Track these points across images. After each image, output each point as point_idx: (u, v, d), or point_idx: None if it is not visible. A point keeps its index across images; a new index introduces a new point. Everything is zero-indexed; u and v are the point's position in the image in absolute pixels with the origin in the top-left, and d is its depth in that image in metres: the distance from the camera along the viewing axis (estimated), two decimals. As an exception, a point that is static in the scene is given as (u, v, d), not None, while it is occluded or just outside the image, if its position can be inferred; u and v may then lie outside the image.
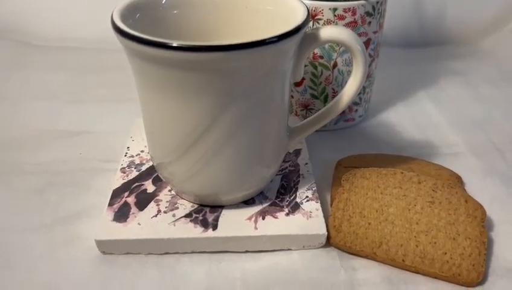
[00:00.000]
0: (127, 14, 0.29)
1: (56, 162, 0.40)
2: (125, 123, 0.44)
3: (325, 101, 0.43)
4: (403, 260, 0.30)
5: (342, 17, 0.39)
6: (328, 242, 0.32)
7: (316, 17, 0.39)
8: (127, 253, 0.31)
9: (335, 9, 0.38)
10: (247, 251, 0.31)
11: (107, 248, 0.31)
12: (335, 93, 0.42)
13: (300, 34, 0.27)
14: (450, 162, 0.40)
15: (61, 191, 0.37)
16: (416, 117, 0.47)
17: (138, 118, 0.42)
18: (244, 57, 0.25)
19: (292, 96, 0.43)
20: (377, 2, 0.39)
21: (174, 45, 0.24)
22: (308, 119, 0.34)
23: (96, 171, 0.39)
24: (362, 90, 0.44)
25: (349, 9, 0.38)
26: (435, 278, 0.30)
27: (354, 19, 0.39)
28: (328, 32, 0.29)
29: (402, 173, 0.35)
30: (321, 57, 0.40)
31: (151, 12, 0.32)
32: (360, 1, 0.39)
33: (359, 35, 0.40)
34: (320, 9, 0.38)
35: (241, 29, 0.34)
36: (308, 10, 0.29)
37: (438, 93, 0.51)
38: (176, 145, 0.30)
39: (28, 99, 0.50)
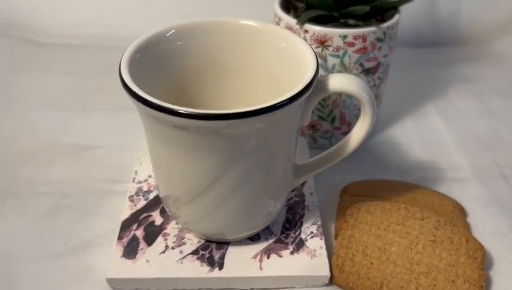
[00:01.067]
0: (131, 57, 0.29)
1: (65, 181, 0.41)
2: (134, 135, 0.44)
3: (332, 122, 0.43)
4: (403, 304, 0.31)
5: (351, 44, 0.38)
6: (331, 281, 0.33)
7: (325, 44, 0.38)
8: (136, 289, 0.32)
9: (345, 37, 0.38)
10: (252, 288, 0.33)
11: (117, 284, 0.32)
12: (342, 115, 0.42)
13: (310, 90, 0.27)
14: (455, 189, 0.40)
15: (71, 217, 0.37)
16: (423, 134, 0.47)
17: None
18: (253, 121, 0.25)
19: (299, 116, 0.43)
20: (388, 28, 0.39)
21: (181, 111, 0.24)
22: (314, 158, 0.34)
23: (105, 194, 0.39)
24: (370, 111, 0.43)
25: (359, 36, 0.38)
26: (433, 321, 0.31)
27: (364, 45, 0.38)
28: (337, 83, 0.29)
29: (406, 208, 0.35)
30: (329, 81, 0.40)
31: (155, 47, 0.31)
32: (370, 28, 0.38)
33: (369, 60, 0.39)
34: (330, 36, 0.38)
35: (249, 63, 0.34)
36: (317, 60, 0.29)
37: (447, 106, 0.51)
38: (182, 193, 0.30)
39: (33, 107, 0.50)
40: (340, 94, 0.41)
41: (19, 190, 0.40)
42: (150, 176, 0.39)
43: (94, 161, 0.43)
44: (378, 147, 0.45)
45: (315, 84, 0.28)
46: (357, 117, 0.42)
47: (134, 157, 0.42)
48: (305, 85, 0.26)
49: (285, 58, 0.32)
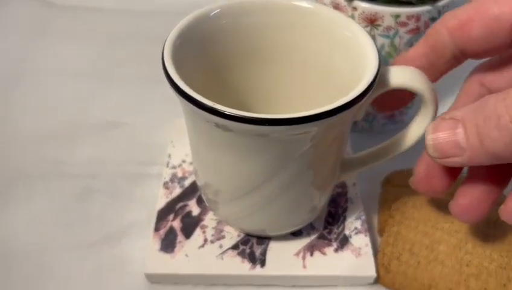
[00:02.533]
0: (174, 44, 0.27)
1: (93, 162, 0.39)
2: (163, 111, 0.43)
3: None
4: (452, 307, 0.30)
5: (404, 24, 0.35)
6: (376, 280, 0.32)
7: (375, 23, 0.35)
8: (175, 283, 0.31)
9: (397, 16, 0.34)
10: (294, 286, 0.31)
11: (155, 279, 0.31)
12: (386, 98, 0.40)
13: (372, 90, 0.25)
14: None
15: (102, 202, 0.36)
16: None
17: (177, 118, 0.40)
18: (306, 127, 0.23)
19: (339, 97, 0.41)
20: (443, 7, 0.35)
21: (226, 112, 0.22)
22: (363, 153, 0.32)
23: (136, 177, 0.38)
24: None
25: (412, 16, 0.35)
26: (482, 326, 0.30)
27: (417, 25, 0.35)
28: (399, 78, 0.26)
29: (455, 203, 0.34)
30: (375, 63, 0.37)
31: (198, 28, 0.29)
32: (425, 7, 0.35)
33: (420, 41, 0.36)
34: (380, 15, 0.34)
35: (299, 48, 0.31)
36: (379, 54, 0.26)
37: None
38: (223, 192, 0.29)
39: (54, 79, 0.47)
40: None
41: (46, 172, 0.38)
42: (184, 161, 0.37)
43: (123, 139, 0.41)
44: (420, 130, 0.43)
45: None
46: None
47: (165, 136, 0.40)
48: (367, 85, 0.24)
49: (341, 46, 0.29)
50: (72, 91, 0.46)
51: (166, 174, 0.36)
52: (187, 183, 0.36)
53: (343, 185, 0.36)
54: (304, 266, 0.31)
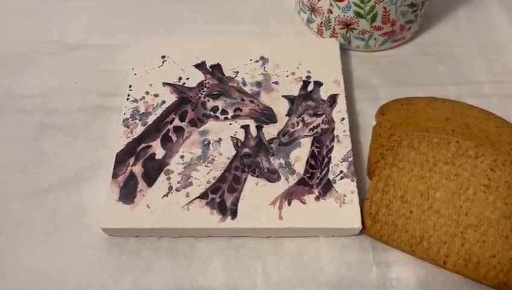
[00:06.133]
0: None
1: (49, 94, 0.34)
2: (125, 31, 0.38)
3: (373, 21, 0.34)
4: (445, 262, 0.27)
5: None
6: (362, 230, 0.28)
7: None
8: (137, 236, 0.28)
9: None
10: (270, 236, 0.28)
11: (114, 233, 0.28)
12: (386, 12, 0.33)
13: None
14: (513, 108, 0.33)
15: (58, 140, 0.32)
16: (480, 32, 0.38)
17: (141, 39, 0.35)
18: None
19: (331, 12, 0.34)
20: None
21: None
22: None
23: (95, 110, 0.33)
24: (420, 5, 0.34)
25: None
26: (477, 282, 0.27)
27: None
28: None
29: (457, 142, 0.29)
30: (374, -30, 0.31)
31: None
32: None
33: None
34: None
35: None
36: None
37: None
38: None
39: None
40: (386, -13, 0.31)
41: (1, 105, 0.33)
42: (147, 93, 0.32)
43: (81, 65, 0.36)
44: (423, 50, 0.37)
45: None
46: (403, 14, 0.34)
47: (128, 60, 0.34)
48: None
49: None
50: (25, 9, 0.40)
51: (127, 109, 0.31)
52: (150, 120, 0.31)
53: (330, 121, 0.31)
54: (280, 217, 0.27)
